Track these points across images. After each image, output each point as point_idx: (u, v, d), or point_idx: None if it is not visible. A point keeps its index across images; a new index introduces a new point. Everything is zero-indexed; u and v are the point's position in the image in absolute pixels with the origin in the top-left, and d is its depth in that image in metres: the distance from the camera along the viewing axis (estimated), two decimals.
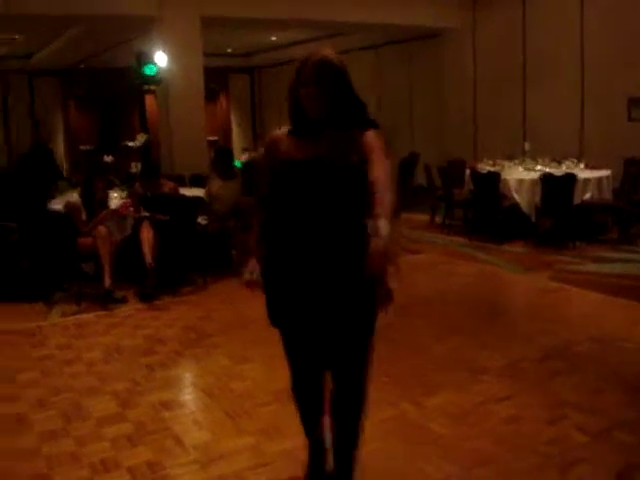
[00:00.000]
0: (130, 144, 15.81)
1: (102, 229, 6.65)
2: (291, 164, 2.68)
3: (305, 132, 2.72)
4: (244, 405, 4.17)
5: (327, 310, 2.69)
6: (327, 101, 2.64)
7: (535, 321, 5.78)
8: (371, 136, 2.64)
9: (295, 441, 3.63)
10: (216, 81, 18.57)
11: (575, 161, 9.39)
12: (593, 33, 10.82)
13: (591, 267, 7.45)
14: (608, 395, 4.15)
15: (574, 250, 8.24)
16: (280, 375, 4.58)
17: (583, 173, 8.84)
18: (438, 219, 10.20)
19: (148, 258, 6.56)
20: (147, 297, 6.56)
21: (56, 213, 7.02)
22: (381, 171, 2.54)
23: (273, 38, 15.83)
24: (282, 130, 2.79)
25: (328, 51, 2.68)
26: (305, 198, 2.65)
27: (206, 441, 3.72)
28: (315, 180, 2.63)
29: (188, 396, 4.54)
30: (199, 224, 7.41)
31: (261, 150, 2.97)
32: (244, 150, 16.61)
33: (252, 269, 2.80)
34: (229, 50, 18.02)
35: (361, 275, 2.41)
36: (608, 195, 8.95)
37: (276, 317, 2.88)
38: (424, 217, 10.63)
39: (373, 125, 2.70)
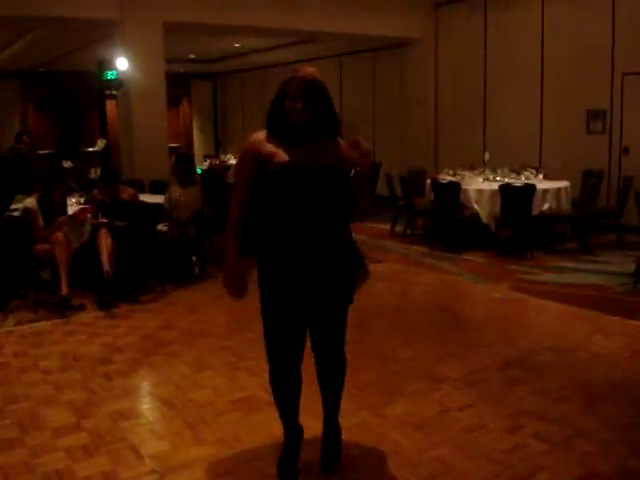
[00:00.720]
0: (90, 149, 15.66)
1: (59, 235, 6.53)
2: (281, 167, 3.01)
3: (286, 137, 3.07)
4: (203, 414, 4.12)
5: (316, 285, 3.13)
6: (311, 114, 3.03)
7: (495, 330, 5.82)
8: (345, 145, 3.18)
9: (255, 451, 3.61)
10: (179, 87, 18.52)
11: (534, 172, 9.52)
12: (553, 46, 11.00)
13: (550, 277, 7.54)
14: (567, 404, 4.19)
15: (533, 260, 8.34)
16: (240, 384, 4.59)
17: (542, 184, 8.95)
18: (399, 228, 10.24)
19: (106, 265, 6.45)
20: (105, 305, 6.46)
21: (13, 219, 6.88)
22: (363, 180, 3.20)
23: (236, 45, 15.77)
24: (260, 134, 3.13)
25: (312, 69, 3.09)
26: (297, 196, 3.03)
27: (164, 451, 3.67)
28: (305, 181, 3.02)
29: (146, 405, 4.47)
30: (159, 231, 7.33)
31: (241, 148, 3.30)
32: (205, 157, 16.52)
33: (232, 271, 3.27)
34: (192, 56, 17.91)
35: (344, 258, 3.16)
36: (567, 206, 9.08)
37: (273, 293, 3.17)
38: (385, 226, 10.67)
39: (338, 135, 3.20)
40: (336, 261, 3.15)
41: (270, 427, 3.79)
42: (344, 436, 3.49)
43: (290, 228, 3.06)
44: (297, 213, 3.04)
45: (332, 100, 3.12)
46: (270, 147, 3.06)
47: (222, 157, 15.89)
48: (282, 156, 3.02)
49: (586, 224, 9.05)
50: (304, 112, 3.02)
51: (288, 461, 3.30)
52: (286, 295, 3.12)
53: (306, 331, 3.21)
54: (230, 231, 3.18)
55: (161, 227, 7.42)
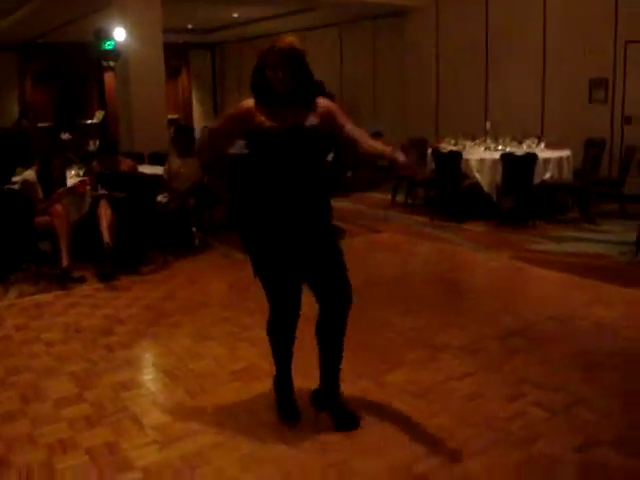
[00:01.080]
0: (88, 122, 15.57)
1: (59, 207, 6.51)
2: (270, 131, 3.23)
3: (272, 104, 3.28)
4: (204, 385, 4.13)
5: (305, 239, 3.33)
6: (292, 82, 3.22)
7: (495, 300, 5.82)
8: (323, 101, 3.40)
9: (257, 419, 3.63)
10: (177, 58, 18.34)
11: (536, 141, 9.45)
12: (556, 14, 10.87)
13: (551, 246, 7.53)
14: (567, 373, 4.19)
15: (534, 229, 8.33)
16: (241, 354, 4.60)
17: (544, 153, 8.90)
18: (400, 198, 10.21)
19: (106, 237, 6.44)
20: (105, 277, 6.46)
21: (12, 191, 6.86)
22: (349, 123, 3.38)
23: (235, 14, 15.62)
24: (250, 100, 3.33)
25: (291, 39, 3.24)
26: (286, 157, 3.25)
27: (166, 421, 3.68)
28: (294, 144, 3.24)
29: (148, 376, 4.48)
30: (159, 202, 7.32)
31: (228, 112, 3.59)
32: (205, 128, 16.43)
33: None
34: (190, 26, 17.75)
35: (327, 215, 3.40)
36: (568, 175, 9.04)
37: (263, 247, 3.36)
38: (386, 196, 10.64)
39: (326, 96, 3.51)
40: (321, 217, 3.38)
41: (271, 396, 3.81)
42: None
43: (281, 186, 3.27)
44: (288, 171, 3.26)
45: (310, 68, 3.29)
46: (257, 114, 3.28)
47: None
48: (268, 123, 3.26)
49: (588, 193, 9.01)
50: (285, 80, 3.21)
51: (287, 399, 3.64)
52: (276, 252, 3.32)
53: (301, 282, 3.42)
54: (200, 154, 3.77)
55: (161, 198, 7.41)
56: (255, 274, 3.42)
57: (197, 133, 12.71)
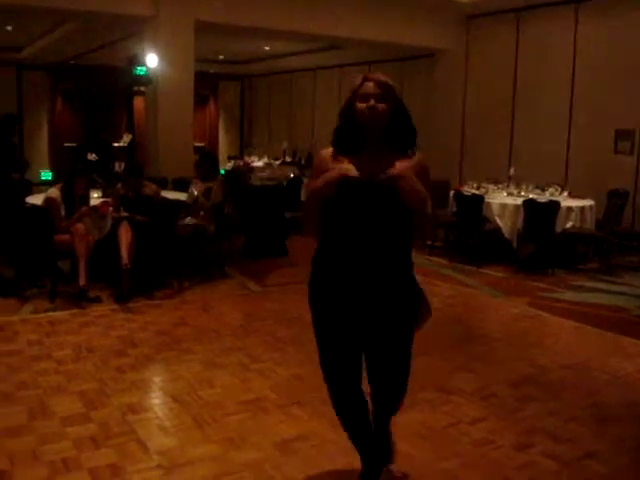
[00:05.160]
0: (116, 144, 15.75)
1: (80, 226, 6.56)
2: (340, 182, 2.75)
3: (352, 151, 2.84)
4: (212, 413, 4.10)
5: (368, 310, 2.89)
6: (385, 115, 2.79)
7: (511, 346, 5.76)
8: (425, 163, 2.93)
9: (262, 452, 3.59)
10: (206, 87, 18.56)
11: (559, 189, 9.42)
12: (584, 63, 10.90)
13: (569, 295, 7.46)
14: (579, 424, 4.13)
15: (554, 278, 8.26)
16: (251, 385, 4.57)
17: (566, 201, 8.87)
18: None
19: (124, 259, 6.47)
20: (121, 298, 6.48)
21: (34, 208, 6.92)
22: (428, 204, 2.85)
23: (266, 48, 15.83)
24: (328, 150, 2.90)
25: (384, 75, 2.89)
26: (352, 213, 2.80)
27: (171, 447, 3.66)
28: (362, 198, 2.77)
29: (156, 400, 4.46)
30: (187, 224, 7.38)
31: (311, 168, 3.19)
32: (230, 158, 16.56)
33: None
34: (221, 57, 18.00)
35: (401, 286, 2.93)
36: (590, 225, 8.98)
37: (323, 313, 2.96)
38: None
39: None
40: (392, 287, 2.90)
41: (278, 429, 3.77)
42: (350, 445, 3.46)
43: (345, 245, 2.83)
44: (352, 230, 2.81)
45: (406, 108, 2.89)
46: (335, 165, 2.82)
47: (247, 159, 15.93)
48: (343, 171, 2.77)
49: (609, 244, 8.95)
50: (378, 111, 2.77)
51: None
52: (335, 316, 2.90)
53: (361, 355, 2.97)
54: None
55: (189, 220, 7.46)
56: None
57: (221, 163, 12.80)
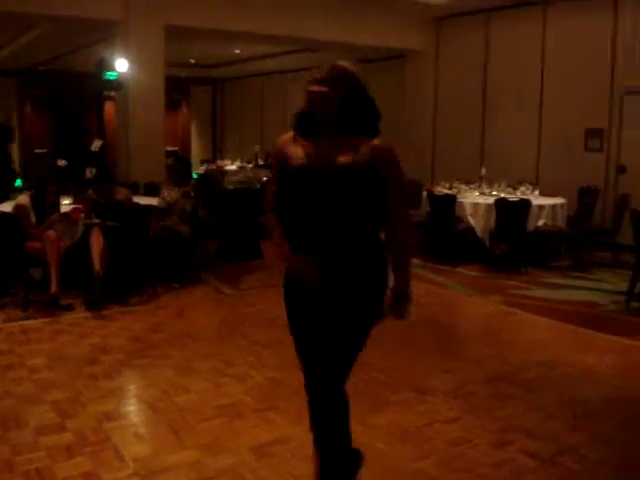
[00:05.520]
0: (90, 149, 15.63)
1: (51, 233, 6.49)
2: (294, 168, 2.71)
3: (311, 134, 2.74)
4: (188, 419, 4.07)
5: (322, 301, 2.76)
6: (335, 101, 2.68)
7: (485, 344, 5.79)
8: (386, 148, 2.75)
9: (238, 457, 3.57)
10: (178, 91, 18.50)
11: (530, 187, 9.50)
12: (554, 63, 11.02)
13: (542, 293, 7.52)
14: (556, 420, 4.16)
15: (526, 276, 8.32)
16: (226, 390, 4.55)
17: (538, 200, 8.94)
18: None
19: (97, 265, 6.41)
20: (94, 305, 6.41)
21: (3, 215, 6.84)
22: (398, 200, 2.79)
23: (237, 51, 15.79)
24: (288, 134, 2.84)
25: (348, 62, 2.79)
26: (306, 203, 2.70)
27: (147, 454, 3.62)
28: (314, 185, 2.67)
29: (131, 408, 4.43)
30: (170, 228, 7.37)
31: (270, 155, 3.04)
32: (203, 162, 16.49)
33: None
34: (192, 61, 17.94)
35: (363, 275, 2.73)
36: (562, 223, 9.06)
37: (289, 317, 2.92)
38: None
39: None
40: (347, 282, 2.74)
41: (254, 434, 3.76)
42: None
43: (300, 235, 2.74)
44: (304, 222, 2.71)
45: (367, 90, 2.76)
46: (292, 149, 2.75)
47: (219, 162, 15.87)
48: (297, 160, 2.72)
49: (581, 241, 9.05)
50: (320, 95, 2.67)
51: None
52: (297, 314, 2.86)
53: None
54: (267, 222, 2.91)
55: (172, 224, 7.44)
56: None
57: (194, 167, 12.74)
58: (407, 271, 2.85)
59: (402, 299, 2.85)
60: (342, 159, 2.65)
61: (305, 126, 2.77)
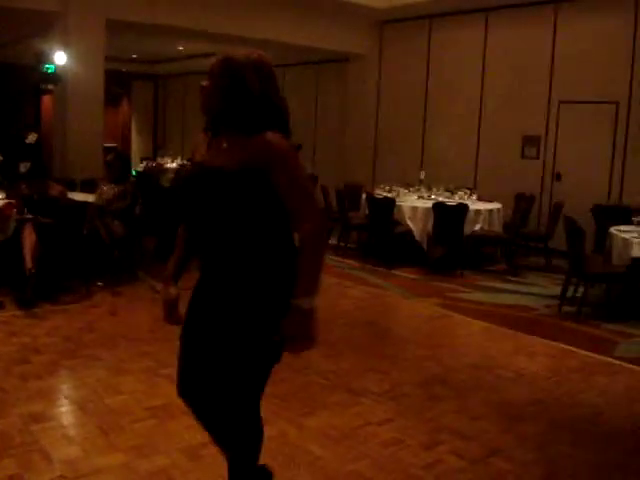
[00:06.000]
0: (26, 141, 15.26)
1: None
2: (187, 171, 2.62)
3: (213, 133, 2.52)
4: (119, 420, 4.00)
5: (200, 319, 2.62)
6: (217, 98, 2.44)
7: (419, 346, 5.84)
8: (274, 146, 2.35)
9: (169, 459, 3.52)
10: (119, 86, 18.21)
11: (468, 192, 9.66)
12: (493, 70, 11.24)
13: (478, 296, 7.64)
14: (486, 422, 4.22)
15: (462, 279, 8.45)
16: (159, 391, 4.48)
17: (475, 205, 9.10)
18: (333, 241, 10.23)
19: (28, 263, 6.26)
20: (25, 303, 6.25)
21: None
22: (296, 200, 2.38)
23: (180, 48, 15.63)
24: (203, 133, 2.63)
25: (242, 51, 2.47)
26: (189, 208, 2.56)
27: (75, 457, 3.54)
28: (192, 189, 2.50)
29: (60, 409, 4.32)
30: (105, 225, 7.22)
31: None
32: (142, 159, 16.27)
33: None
34: (134, 56, 17.67)
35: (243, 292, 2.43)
36: (498, 227, 9.24)
37: None
38: None
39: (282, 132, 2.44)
40: (225, 298, 2.49)
41: (186, 436, 3.72)
42: (263, 447, 3.43)
43: (193, 241, 2.64)
44: (191, 226, 2.62)
45: (246, 86, 2.40)
46: (199, 150, 2.59)
47: (159, 160, 15.68)
48: (193, 162, 2.59)
49: (515, 246, 9.23)
50: (209, 93, 2.45)
51: None
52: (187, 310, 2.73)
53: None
54: None
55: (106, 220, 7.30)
56: None
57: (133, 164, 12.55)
58: (307, 281, 2.42)
59: (296, 317, 2.39)
60: (218, 161, 2.42)
61: (210, 125, 2.54)
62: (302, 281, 2.39)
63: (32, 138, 14.00)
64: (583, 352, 5.76)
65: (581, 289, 6.95)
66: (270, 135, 2.35)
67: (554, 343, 5.98)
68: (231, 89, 2.41)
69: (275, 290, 2.44)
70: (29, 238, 6.39)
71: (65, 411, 4.26)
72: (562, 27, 10.33)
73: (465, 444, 3.87)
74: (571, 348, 5.85)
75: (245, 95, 2.40)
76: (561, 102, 10.38)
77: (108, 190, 7.50)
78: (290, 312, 2.37)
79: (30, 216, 6.65)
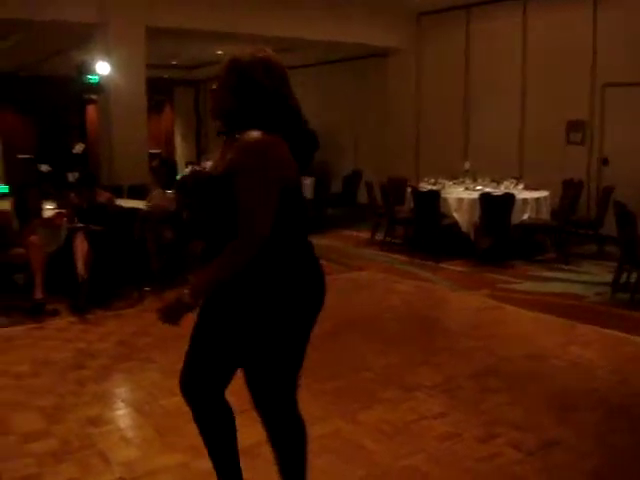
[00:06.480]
0: (73, 151, 15.56)
1: (35, 239, 6.45)
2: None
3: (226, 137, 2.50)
4: (175, 422, 4.04)
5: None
6: (224, 101, 2.43)
7: (471, 339, 5.79)
8: (242, 144, 2.30)
9: None
10: (161, 93, 18.41)
11: (514, 181, 9.54)
12: (535, 57, 11.08)
13: (528, 286, 7.54)
14: (542, 413, 4.17)
15: (512, 269, 8.35)
16: None
17: (522, 194, 8.98)
18: (379, 236, 10.21)
19: (81, 270, 6.38)
20: (79, 310, 6.38)
21: None
22: (242, 205, 2.29)
23: (219, 52, 15.72)
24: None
25: (249, 50, 2.44)
26: (193, 210, 2.60)
27: (133, 458, 3.60)
28: (195, 193, 2.59)
29: (117, 412, 4.39)
30: (155, 231, 7.32)
31: None
32: (187, 164, 16.43)
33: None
34: (174, 62, 17.86)
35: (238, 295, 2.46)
36: (546, 216, 9.11)
37: None
38: (365, 234, 10.66)
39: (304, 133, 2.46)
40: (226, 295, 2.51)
41: (243, 435, 3.73)
42: (317, 443, 3.45)
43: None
44: (195, 230, 2.63)
45: (250, 87, 2.37)
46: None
47: (203, 164, 15.80)
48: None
49: (565, 234, 9.08)
50: (217, 95, 2.45)
51: None
52: None
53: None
54: None
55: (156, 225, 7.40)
56: None
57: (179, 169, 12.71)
58: (200, 279, 2.47)
59: (174, 302, 2.53)
60: (214, 165, 2.45)
61: (224, 128, 2.51)
62: (198, 277, 2.46)
63: (79, 148, 14.28)
64: (638, 339, 5.65)
65: (634, 275, 6.81)
66: (246, 136, 2.31)
67: (607, 331, 5.88)
68: (240, 87, 2.38)
69: (275, 290, 2.45)
70: (81, 246, 6.50)
71: (122, 414, 4.33)
72: (602, 8, 10.13)
73: (521, 436, 3.83)
74: (625, 335, 5.75)
75: (256, 91, 2.36)
76: (605, 85, 10.18)
77: (157, 195, 7.59)
78: (176, 296, 2.49)
79: (81, 225, 6.77)
